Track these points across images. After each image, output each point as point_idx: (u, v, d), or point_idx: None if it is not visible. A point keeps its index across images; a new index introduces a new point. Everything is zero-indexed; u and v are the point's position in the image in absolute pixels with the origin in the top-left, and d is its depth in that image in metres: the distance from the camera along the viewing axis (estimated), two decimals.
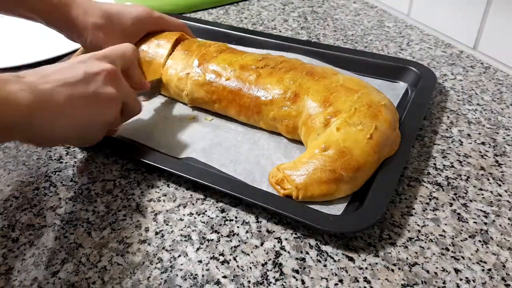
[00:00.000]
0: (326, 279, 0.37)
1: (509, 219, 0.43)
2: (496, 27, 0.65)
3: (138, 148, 0.49)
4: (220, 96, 0.53)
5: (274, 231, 0.42)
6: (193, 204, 0.45)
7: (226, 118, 0.56)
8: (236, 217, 0.43)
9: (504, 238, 0.41)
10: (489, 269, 0.38)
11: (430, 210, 0.44)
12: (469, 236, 0.41)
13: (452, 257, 0.39)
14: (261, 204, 0.41)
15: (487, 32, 0.67)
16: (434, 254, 0.39)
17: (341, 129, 0.45)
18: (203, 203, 0.45)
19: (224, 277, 0.38)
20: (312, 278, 0.37)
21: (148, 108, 0.58)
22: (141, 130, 0.53)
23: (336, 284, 0.37)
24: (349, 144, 0.44)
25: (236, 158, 0.49)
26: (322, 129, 0.47)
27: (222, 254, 0.39)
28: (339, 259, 0.39)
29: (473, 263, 0.38)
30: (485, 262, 0.38)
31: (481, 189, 0.46)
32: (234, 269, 0.38)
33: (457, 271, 0.38)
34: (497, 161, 0.49)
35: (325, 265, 0.38)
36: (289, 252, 0.40)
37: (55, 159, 0.51)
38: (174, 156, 0.49)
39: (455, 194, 0.45)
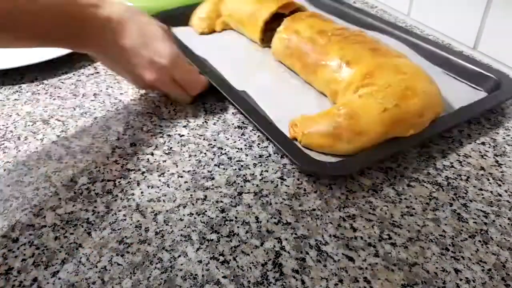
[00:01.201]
0: (326, 279, 0.37)
1: (509, 219, 0.43)
2: (496, 27, 0.65)
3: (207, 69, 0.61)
4: (292, 52, 0.61)
5: (274, 231, 0.42)
6: (193, 204, 0.45)
7: (294, 74, 0.63)
8: (236, 217, 0.43)
9: (504, 238, 0.41)
10: (489, 269, 0.38)
11: (430, 210, 0.44)
12: (469, 236, 0.41)
13: (452, 257, 0.39)
14: (268, 136, 0.49)
15: (487, 32, 0.67)
16: (434, 254, 0.39)
17: (363, 97, 0.49)
18: (203, 203, 0.45)
19: (224, 277, 0.38)
20: (312, 278, 0.37)
21: (243, 51, 0.70)
22: (225, 60, 0.66)
23: (336, 284, 0.37)
24: (361, 111, 0.47)
25: (278, 103, 0.56)
26: (351, 96, 0.51)
27: (222, 254, 0.39)
28: (339, 259, 0.39)
29: (473, 263, 0.38)
30: (485, 262, 0.38)
31: (481, 189, 0.46)
32: (234, 269, 0.38)
33: (457, 271, 0.38)
34: (497, 161, 0.49)
35: (325, 265, 0.38)
36: (289, 252, 0.40)
37: (55, 159, 0.51)
38: (233, 85, 0.59)
39: (455, 194, 0.45)
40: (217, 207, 0.44)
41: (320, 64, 0.57)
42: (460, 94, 0.57)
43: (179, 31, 0.74)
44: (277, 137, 0.49)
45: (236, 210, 0.44)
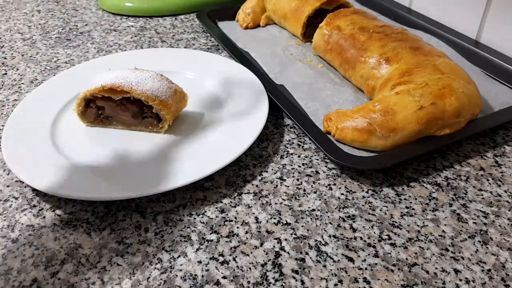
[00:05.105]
0: (326, 279, 0.37)
1: (508, 219, 0.43)
2: (498, 20, 0.65)
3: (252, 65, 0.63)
4: (332, 47, 0.62)
5: (273, 232, 0.42)
6: (192, 204, 0.45)
7: (332, 69, 0.64)
8: (235, 218, 0.43)
9: (504, 239, 0.41)
10: (489, 270, 0.38)
11: (430, 210, 0.44)
12: (469, 237, 0.41)
13: (451, 257, 0.39)
14: (303, 129, 0.50)
15: (488, 27, 0.67)
16: (433, 254, 0.39)
17: (400, 95, 0.49)
18: (202, 204, 0.45)
19: (224, 277, 0.38)
20: (311, 278, 0.37)
21: (283, 46, 0.71)
22: (265, 54, 0.68)
23: (335, 285, 0.37)
24: (397, 107, 0.48)
25: (314, 97, 0.57)
26: (388, 92, 0.51)
27: (221, 255, 0.40)
28: (338, 260, 0.39)
29: (473, 264, 0.38)
30: (484, 263, 0.38)
31: (480, 190, 0.46)
32: (234, 270, 0.38)
33: (456, 271, 0.38)
34: (496, 162, 0.49)
35: (324, 266, 0.38)
36: (288, 253, 0.40)
37: None
38: (273, 79, 0.61)
39: (454, 194, 0.45)
40: (216, 208, 0.44)
41: (359, 60, 0.57)
42: (501, 96, 0.56)
43: (224, 25, 0.78)
44: (311, 130, 0.50)
45: (236, 211, 0.44)
